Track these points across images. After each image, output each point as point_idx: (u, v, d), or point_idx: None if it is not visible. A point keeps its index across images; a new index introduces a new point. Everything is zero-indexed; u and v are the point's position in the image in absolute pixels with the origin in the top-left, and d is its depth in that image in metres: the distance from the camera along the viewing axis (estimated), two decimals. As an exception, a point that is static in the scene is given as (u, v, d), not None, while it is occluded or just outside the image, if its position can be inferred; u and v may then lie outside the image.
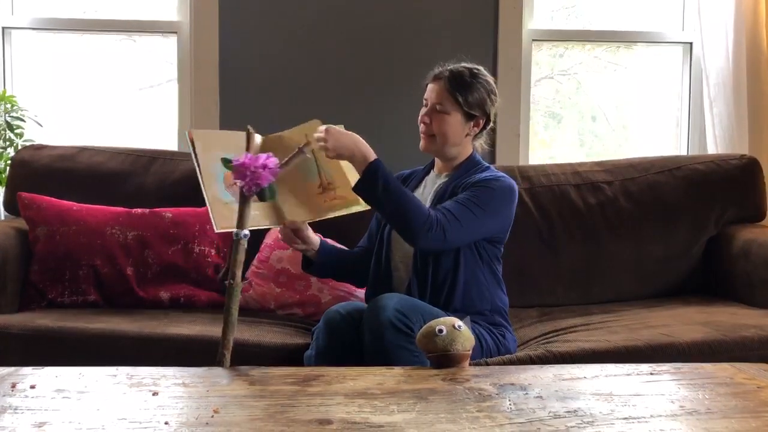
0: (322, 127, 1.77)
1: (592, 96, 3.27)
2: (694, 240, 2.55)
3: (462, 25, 2.94)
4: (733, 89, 2.86)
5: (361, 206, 1.85)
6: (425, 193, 2.05)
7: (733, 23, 2.85)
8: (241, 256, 1.50)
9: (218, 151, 1.67)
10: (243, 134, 1.70)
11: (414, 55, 2.92)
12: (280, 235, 1.95)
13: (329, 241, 2.16)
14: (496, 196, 1.91)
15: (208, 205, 1.64)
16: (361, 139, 1.81)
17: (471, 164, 2.02)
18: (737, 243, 2.45)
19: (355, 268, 2.07)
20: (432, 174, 2.09)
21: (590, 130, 3.31)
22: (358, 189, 1.80)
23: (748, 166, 2.60)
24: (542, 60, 3.20)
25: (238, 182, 1.49)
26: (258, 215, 1.72)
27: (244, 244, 1.50)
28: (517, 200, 1.99)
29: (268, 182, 1.49)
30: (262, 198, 1.51)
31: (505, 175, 1.99)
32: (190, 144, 1.65)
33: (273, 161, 1.49)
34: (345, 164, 1.83)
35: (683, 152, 3.12)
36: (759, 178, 2.61)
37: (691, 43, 3.07)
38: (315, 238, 1.96)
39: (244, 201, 1.50)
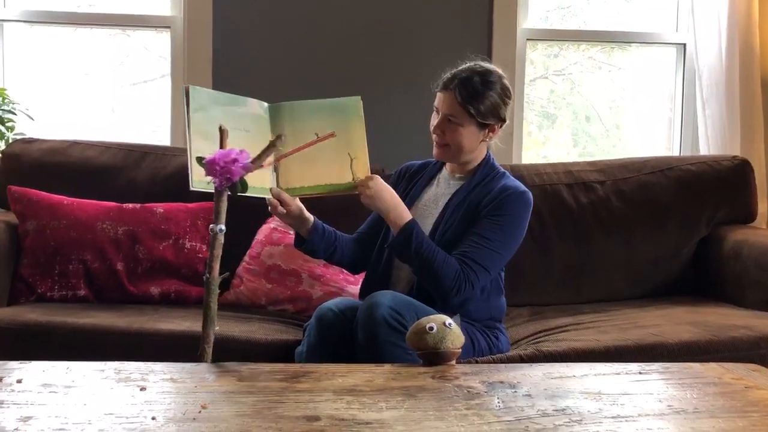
0: (371, 177, 1.80)
1: (586, 96, 3.28)
2: (685, 240, 2.56)
3: (456, 23, 2.94)
4: (725, 90, 2.87)
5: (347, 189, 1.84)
6: (438, 191, 2.02)
7: (726, 24, 2.86)
8: (218, 251, 1.50)
9: (214, 112, 1.68)
10: (242, 98, 1.76)
11: (408, 53, 2.91)
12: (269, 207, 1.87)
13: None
14: (513, 221, 1.90)
15: (188, 160, 1.63)
16: (398, 197, 1.86)
17: (487, 170, 1.99)
18: (728, 244, 2.46)
19: (348, 254, 2.02)
20: (445, 172, 2.06)
21: (584, 130, 3.31)
22: (391, 246, 1.86)
23: (740, 167, 2.61)
24: (537, 60, 3.21)
25: (210, 178, 1.49)
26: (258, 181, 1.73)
27: (221, 238, 1.50)
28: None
29: (239, 176, 1.49)
30: (233, 192, 1.52)
31: (521, 185, 1.96)
32: (184, 97, 1.65)
33: (244, 156, 1.50)
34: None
35: (676, 153, 3.13)
36: (750, 180, 2.61)
37: (684, 44, 3.08)
38: (307, 214, 1.89)
39: (217, 196, 1.50)
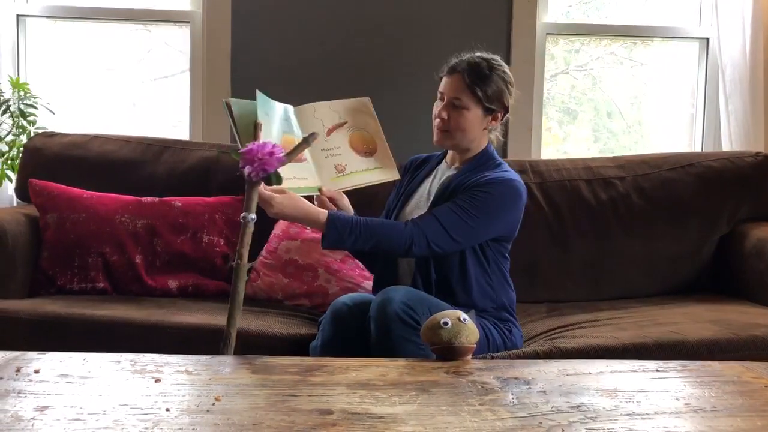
0: (266, 194, 1.70)
1: (607, 92, 3.24)
2: (706, 237, 2.52)
3: (474, 17, 2.92)
4: (749, 85, 2.83)
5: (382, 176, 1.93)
6: (434, 184, 2.02)
7: (750, 18, 2.82)
8: (248, 239, 1.56)
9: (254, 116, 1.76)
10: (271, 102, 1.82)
11: (426, 47, 2.90)
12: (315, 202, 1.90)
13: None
14: (493, 200, 1.86)
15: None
16: (303, 200, 1.77)
17: (483, 159, 1.97)
18: (750, 241, 2.42)
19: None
20: (443, 165, 2.06)
21: (605, 126, 3.28)
22: (328, 246, 1.81)
23: (763, 164, 2.57)
24: (558, 55, 3.18)
25: (246, 168, 1.55)
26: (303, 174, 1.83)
27: (251, 226, 1.56)
28: (524, 201, 1.94)
29: (274, 169, 1.56)
30: (268, 183, 1.61)
31: (513, 175, 1.93)
32: (226, 109, 1.73)
33: (279, 149, 1.56)
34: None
35: (698, 149, 3.09)
36: (773, 176, 2.57)
37: (707, 39, 3.04)
38: (350, 207, 1.95)
39: (250, 187, 1.57)
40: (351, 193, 1.97)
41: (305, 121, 1.90)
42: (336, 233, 1.77)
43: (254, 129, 1.68)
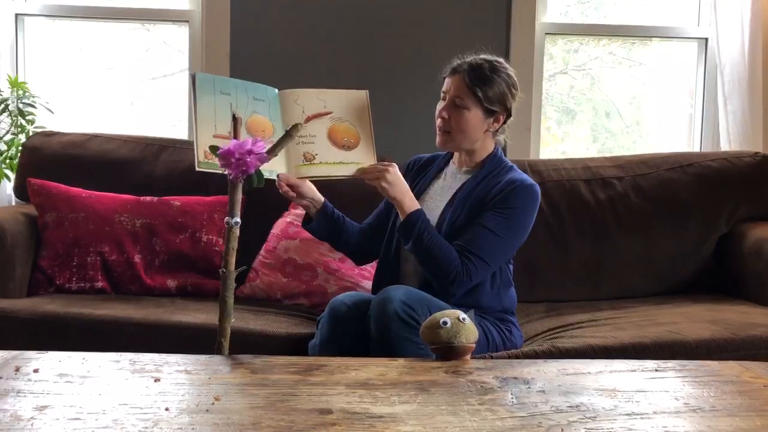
0: (389, 165, 1.83)
1: (606, 92, 3.25)
2: (705, 237, 2.52)
3: (473, 16, 2.92)
4: (748, 85, 2.83)
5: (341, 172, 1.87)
6: (445, 185, 2.02)
7: (749, 18, 2.82)
8: (234, 244, 1.48)
9: (221, 97, 1.71)
10: (251, 84, 1.77)
11: (425, 47, 2.90)
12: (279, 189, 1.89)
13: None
14: (517, 213, 1.88)
15: (194, 142, 1.67)
16: (409, 189, 1.89)
17: (494, 163, 1.98)
18: (749, 241, 2.43)
19: (354, 241, 2.04)
20: (452, 166, 2.05)
21: (604, 126, 3.28)
22: (398, 231, 1.89)
23: (762, 164, 2.57)
24: (556, 55, 3.18)
25: (226, 170, 1.47)
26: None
27: (236, 231, 1.48)
28: (539, 203, 1.96)
29: (254, 168, 1.46)
30: (250, 184, 1.49)
31: (528, 178, 1.94)
32: (191, 84, 1.69)
33: (260, 146, 1.45)
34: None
35: (696, 149, 3.10)
36: (772, 176, 2.57)
37: (706, 39, 3.04)
38: (317, 195, 1.93)
39: (232, 189, 1.48)
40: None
41: (286, 106, 1.85)
42: (408, 227, 1.83)
43: (234, 125, 1.61)
